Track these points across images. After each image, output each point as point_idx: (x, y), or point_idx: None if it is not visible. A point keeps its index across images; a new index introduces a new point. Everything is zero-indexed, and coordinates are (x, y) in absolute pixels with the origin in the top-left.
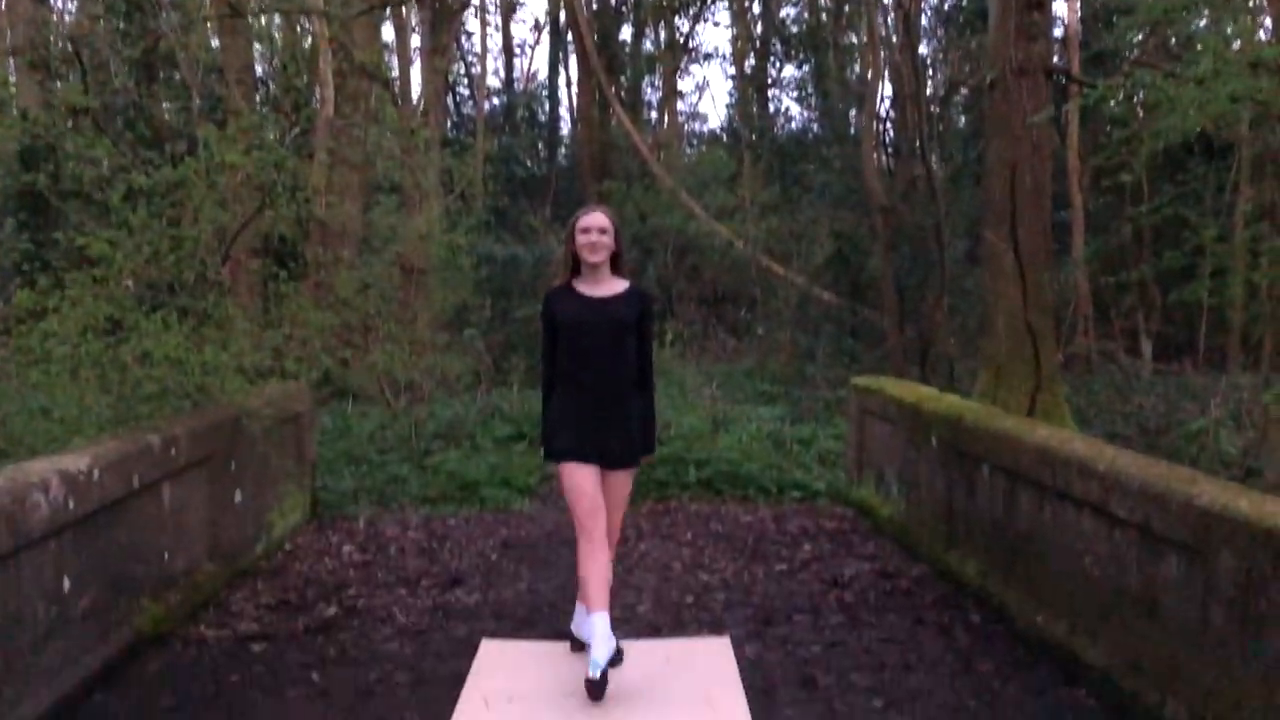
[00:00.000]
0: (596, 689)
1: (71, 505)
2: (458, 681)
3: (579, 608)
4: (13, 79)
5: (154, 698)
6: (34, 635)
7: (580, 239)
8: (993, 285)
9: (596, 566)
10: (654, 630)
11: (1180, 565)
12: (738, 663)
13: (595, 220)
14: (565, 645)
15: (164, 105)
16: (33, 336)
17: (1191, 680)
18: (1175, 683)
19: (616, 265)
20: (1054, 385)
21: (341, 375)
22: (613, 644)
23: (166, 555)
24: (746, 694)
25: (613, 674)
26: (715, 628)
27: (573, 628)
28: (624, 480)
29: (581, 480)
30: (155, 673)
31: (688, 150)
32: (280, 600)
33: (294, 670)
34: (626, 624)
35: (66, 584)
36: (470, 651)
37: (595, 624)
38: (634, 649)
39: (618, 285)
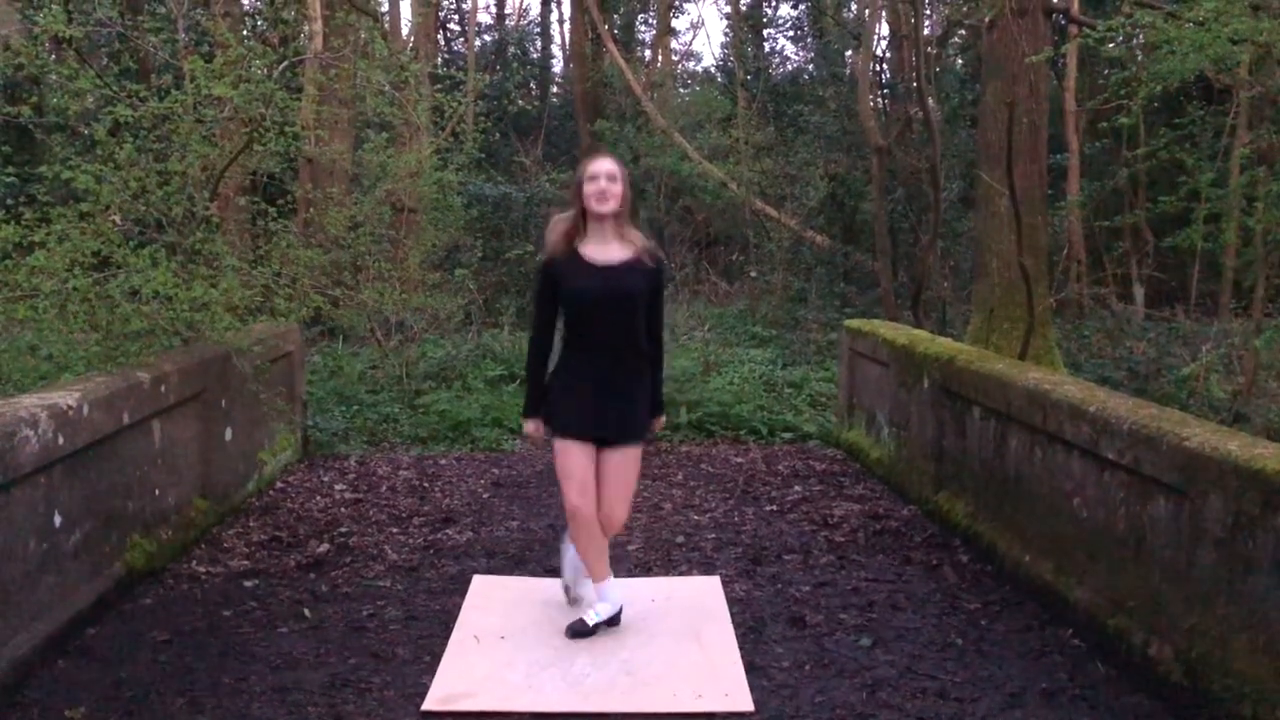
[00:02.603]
0: (580, 632)
1: (61, 441)
2: (449, 618)
3: (568, 554)
4: None
5: (146, 632)
6: (26, 570)
7: (588, 187)
8: (986, 228)
9: (591, 541)
10: (645, 569)
11: (1168, 507)
12: (727, 601)
13: (604, 166)
14: (556, 582)
15: (149, 37)
16: (19, 272)
17: (1176, 620)
18: (1160, 622)
19: (623, 223)
20: (1046, 329)
21: (332, 314)
22: (618, 606)
23: (158, 491)
24: (736, 631)
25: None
26: (706, 567)
27: (565, 578)
28: (625, 459)
29: (574, 457)
30: (148, 608)
31: (681, 90)
32: (272, 537)
33: (286, 606)
34: (618, 563)
35: (57, 519)
36: (462, 588)
37: (607, 590)
38: (625, 587)
39: (628, 248)
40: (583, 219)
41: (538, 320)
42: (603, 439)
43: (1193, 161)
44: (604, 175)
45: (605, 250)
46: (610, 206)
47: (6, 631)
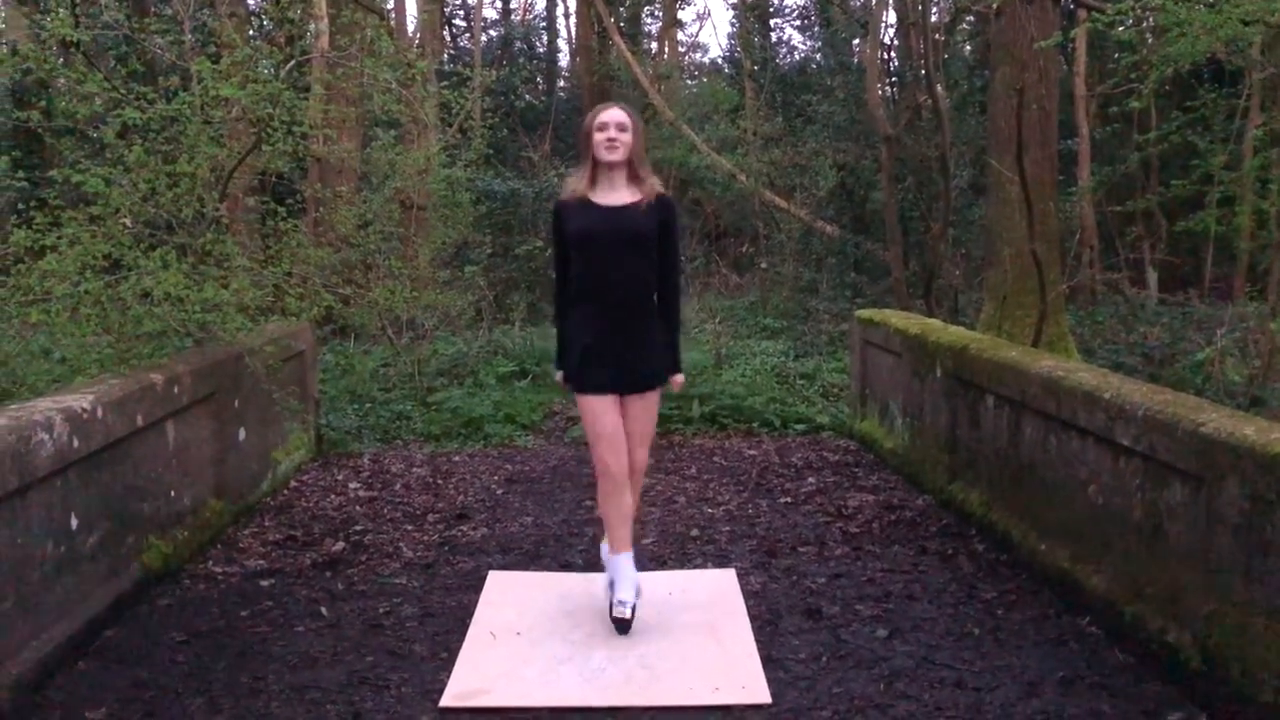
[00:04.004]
0: (623, 626)
1: (76, 444)
2: (466, 614)
3: (604, 545)
4: (1, 13)
5: (164, 633)
6: (43, 573)
7: (597, 136)
8: (998, 215)
9: (616, 505)
10: (659, 563)
11: (1184, 493)
12: (743, 593)
13: (614, 116)
14: (571, 576)
15: (156, 39)
16: (32, 276)
17: (1194, 606)
18: (1178, 609)
19: (636, 170)
20: (1059, 316)
21: (343, 313)
22: (637, 582)
23: (173, 493)
24: (752, 624)
25: None
26: (721, 560)
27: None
28: (645, 407)
29: (600, 415)
30: (165, 608)
31: (688, 82)
32: (287, 536)
33: (303, 605)
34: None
35: (74, 522)
36: (477, 585)
37: (619, 565)
38: (640, 581)
39: (637, 192)
40: (593, 168)
41: (556, 267)
42: (621, 390)
43: (1205, 144)
44: (613, 125)
45: (614, 195)
46: (619, 155)
47: (27, 633)
